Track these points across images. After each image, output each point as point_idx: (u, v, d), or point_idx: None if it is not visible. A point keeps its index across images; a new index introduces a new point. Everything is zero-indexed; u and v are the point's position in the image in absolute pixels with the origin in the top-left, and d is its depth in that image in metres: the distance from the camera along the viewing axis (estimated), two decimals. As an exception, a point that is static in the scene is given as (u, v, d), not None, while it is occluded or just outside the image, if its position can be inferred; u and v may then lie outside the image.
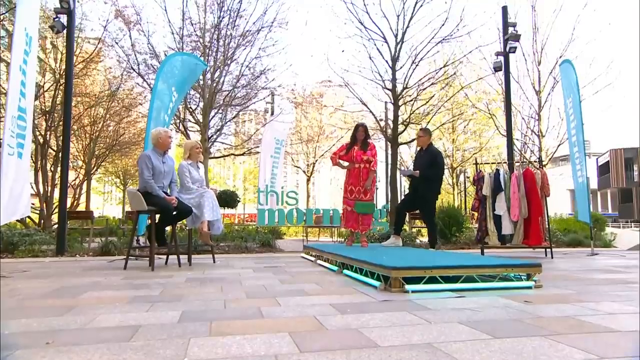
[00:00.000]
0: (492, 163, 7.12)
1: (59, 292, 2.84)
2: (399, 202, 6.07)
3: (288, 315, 2.11)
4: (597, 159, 41.01)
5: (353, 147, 5.24)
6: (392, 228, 5.96)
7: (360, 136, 5.26)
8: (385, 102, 12.15)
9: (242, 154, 13.63)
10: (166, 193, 4.42)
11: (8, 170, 3.96)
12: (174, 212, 4.37)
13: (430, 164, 5.34)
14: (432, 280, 2.87)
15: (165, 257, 4.97)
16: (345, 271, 3.74)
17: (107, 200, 35.99)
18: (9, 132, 4.05)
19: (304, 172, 21.71)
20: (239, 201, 16.24)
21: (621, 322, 1.92)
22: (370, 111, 10.77)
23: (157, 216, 4.42)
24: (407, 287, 2.78)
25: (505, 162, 6.62)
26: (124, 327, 1.85)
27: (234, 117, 11.89)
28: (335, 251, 4.23)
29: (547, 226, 5.88)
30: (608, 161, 37.28)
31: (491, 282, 2.96)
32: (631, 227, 32.19)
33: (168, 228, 4.72)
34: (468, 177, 20.95)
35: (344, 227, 5.67)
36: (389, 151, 11.42)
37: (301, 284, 3.21)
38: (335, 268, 4.02)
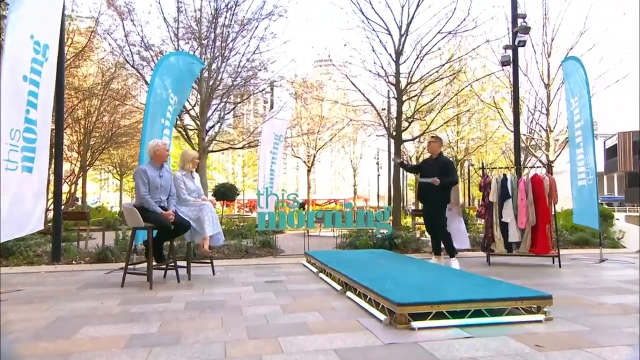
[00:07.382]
0: (500, 168, 6.91)
1: (54, 327, 2.75)
2: (426, 222, 5.64)
3: (290, 373, 2.00)
4: (604, 141, 40.09)
5: None
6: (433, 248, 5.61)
7: None
8: (388, 91, 11.78)
9: (242, 148, 13.41)
10: (164, 208, 4.28)
11: (8, 186, 3.86)
12: (172, 227, 4.24)
13: (443, 172, 5.20)
14: (439, 313, 2.76)
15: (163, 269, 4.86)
16: (349, 293, 3.63)
17: (103, 187, 35.90)
18: (8, 147, 3.88)
19: (304, 162, 21.46)
20: (237, 194, 16.11)
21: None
22: (372, 104, 10.49)
23: (155, 231, 4.29)
24: (413, 324, 2.68)
25: (513, 167, 6.43)
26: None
27: (232, 109, 11.58)
28: (338, 269, 4.12)
29: (555, 233, 5.75)
30: (616, 144, 36.58)
31: (500, 315, 2.85)
32: (637, 211, 31.78)
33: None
34: (472, 165, 20.67)
35: None
36: (392, 147, 11.20)
37: (303, 312, 3.11)
38: (339, 287, 3.92)
